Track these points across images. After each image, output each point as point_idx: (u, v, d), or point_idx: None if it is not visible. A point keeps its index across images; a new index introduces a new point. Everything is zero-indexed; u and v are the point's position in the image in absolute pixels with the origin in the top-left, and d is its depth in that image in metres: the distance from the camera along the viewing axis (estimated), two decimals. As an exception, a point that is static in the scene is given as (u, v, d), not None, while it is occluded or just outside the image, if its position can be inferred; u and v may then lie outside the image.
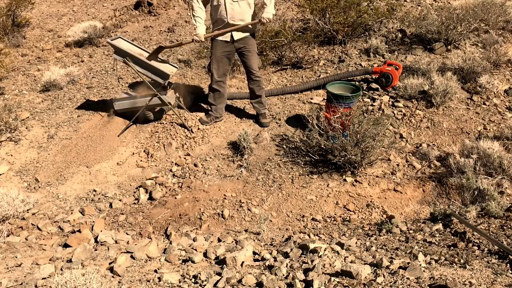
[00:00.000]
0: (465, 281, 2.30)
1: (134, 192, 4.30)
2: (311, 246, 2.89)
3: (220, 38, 4.49)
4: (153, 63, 4.74)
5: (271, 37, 5.91)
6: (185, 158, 4.58)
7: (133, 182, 4.42)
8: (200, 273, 2.70)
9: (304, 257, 2.82)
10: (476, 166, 3.87)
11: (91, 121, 5.20)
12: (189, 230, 3.71)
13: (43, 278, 2.74)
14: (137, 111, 4.82)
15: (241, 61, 4.83)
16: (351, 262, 2.68)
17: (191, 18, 4.54)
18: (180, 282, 2.68)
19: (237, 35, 4.46)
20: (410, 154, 4.40)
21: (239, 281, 2.55)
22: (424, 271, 2.42)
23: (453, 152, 4.18)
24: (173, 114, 5.02)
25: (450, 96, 4.80)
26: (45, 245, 3.48)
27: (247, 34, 4.50)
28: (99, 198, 4.23)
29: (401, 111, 4.86)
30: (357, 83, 5.27)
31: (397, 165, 4.30)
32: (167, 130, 4.93)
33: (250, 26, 4.42)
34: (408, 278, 2.31)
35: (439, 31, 5.79)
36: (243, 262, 2.89)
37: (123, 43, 4.89)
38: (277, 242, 3.39)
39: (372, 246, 3.07)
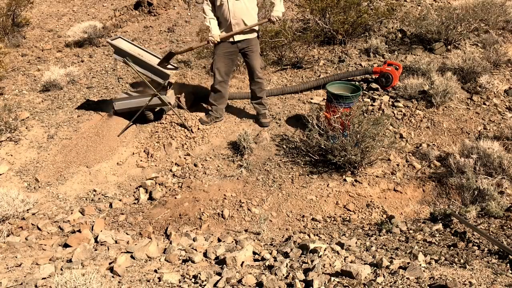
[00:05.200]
0: (465, 281, 2.30)
1: (134, 192, 4.30)
2: (311, 246, 2.89)
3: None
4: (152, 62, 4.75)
5: (271, 37, 5.91)
6: (185, 158, 4.58)
7: (133, 182, 4.42)
8: (200, 273, 2.70)
9: (304, 257, 2.81)
10: (476, 166, 3.87)
11: (91, 121, 5.20)
12: (189, 230, 3.71)
13: (43, 278, 2.74)
14: (137, 111, 4.82)
15: (244, 61, 4.83)
16: (351, 262, 2.68)
17: (204, 19, 4.51)
18: (180, 282, 2.68)
19: (238, 37, 4.46)
20: (410, 154, 4.40)
21: (239, 281, 2.55)
22: (424, 271, 2.42)
23: (453, 152, 4.18)
24: (173, 114, 5.02)
25: (450, 96, 4.80)
26: (45, 245, 3.47)
27: (250, 35, 4.50)
28: (99, 198, 4.23)
29: (401, 111, 4.86)
30: (357, 83, 5.26)
31: (397, 165, 4.30)
32: (167, 130, 4.93)
33: (257, 27, 4.42)
34: (408, 278, 2.31)
35: (439, 31, 5.79)
36: (243, 262, 2.89)
37: (123, 43, 4.90)
38: (277, 242, 3.39)
39: (372, 246, 3.07)
